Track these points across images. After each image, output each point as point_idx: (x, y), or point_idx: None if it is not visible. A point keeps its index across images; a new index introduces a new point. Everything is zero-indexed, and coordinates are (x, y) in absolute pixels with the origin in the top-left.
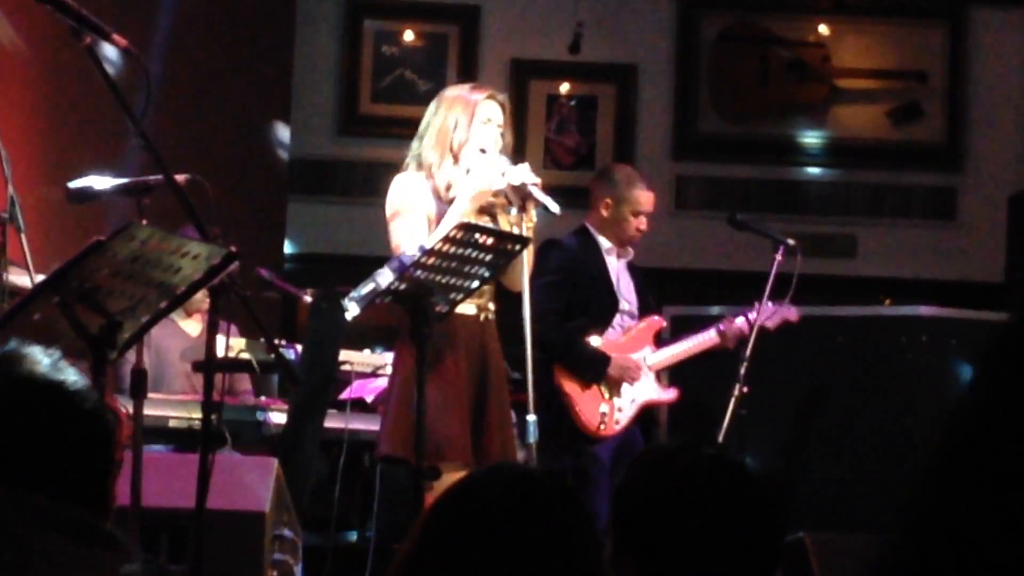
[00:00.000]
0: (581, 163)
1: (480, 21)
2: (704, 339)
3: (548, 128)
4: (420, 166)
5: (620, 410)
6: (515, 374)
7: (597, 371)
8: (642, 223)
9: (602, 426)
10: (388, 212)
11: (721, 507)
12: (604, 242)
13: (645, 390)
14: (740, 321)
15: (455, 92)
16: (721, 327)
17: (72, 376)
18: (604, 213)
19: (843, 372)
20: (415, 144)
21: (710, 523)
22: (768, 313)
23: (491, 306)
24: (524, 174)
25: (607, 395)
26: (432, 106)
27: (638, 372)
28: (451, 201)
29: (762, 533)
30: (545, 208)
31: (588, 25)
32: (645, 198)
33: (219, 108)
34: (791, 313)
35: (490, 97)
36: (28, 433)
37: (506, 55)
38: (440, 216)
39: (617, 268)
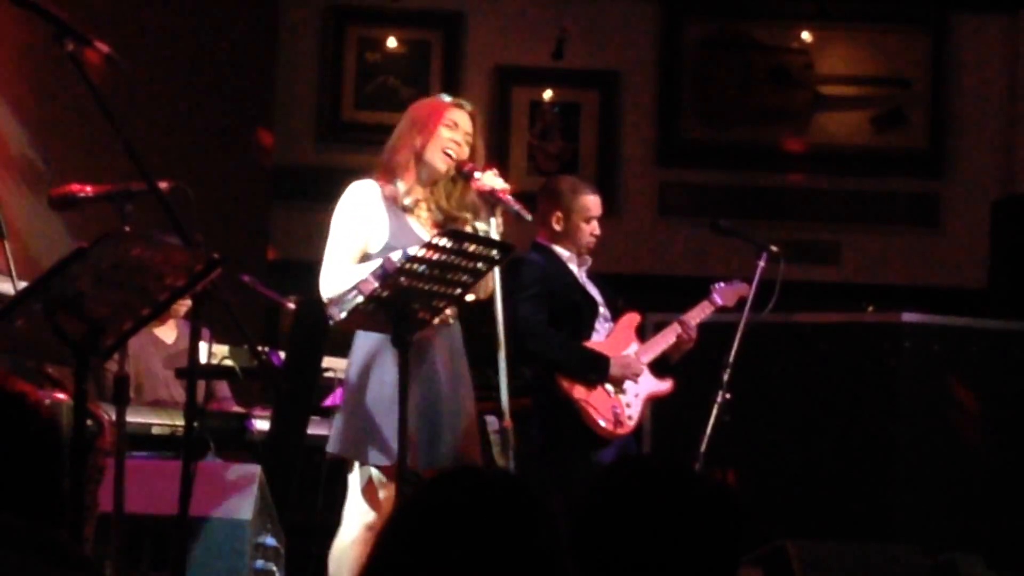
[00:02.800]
0: (565, 169)
1: (464, 28)
2: (670, 334)
3: (532, 134)
4: (385, 171)
5: (629, 406)
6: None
7: (600, 373)
8: (595, 228)
9: (618, 426)
10: (332, 220)
11: (675, 519)
12: (563, 252)
13: (645, 383)
14: (695, 312)
15: (424, 100)
16: (679, 330)
17: (21, 388)
18: (557, 227)
19: (826, 379)
20: (385, 153)
21: (666, 536)
22: (722, 293)
23: (448, 311)
24: (493, 180)
25: (614, 394)
26: (403, 116)
27: (640, 367)
28: (405, 208)
29: (718, 542)
30: (517, 215)
31: (571, 32)
32: (593, 202)
33: (202, 114)
34: (743, 288)
35: (458, 105)
36: None
37: (489, 62)
38: (392, 225)
39: (581, 275)
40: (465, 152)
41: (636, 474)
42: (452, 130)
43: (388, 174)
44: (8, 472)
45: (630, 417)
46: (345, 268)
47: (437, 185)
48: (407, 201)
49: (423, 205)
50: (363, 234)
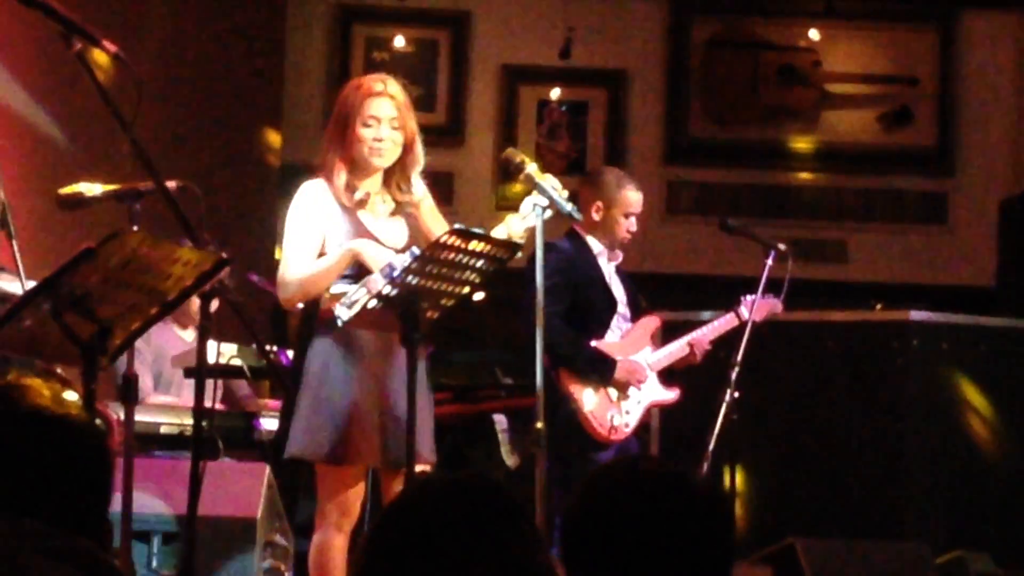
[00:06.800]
0: (572, 168)
1: (471, 27)
2: (682, 344)
3: (539, 133)
4: (325, 171)
5: (628, 413)
6: (507, 379)
7: (604, 375)
8: (632, 225)
9: (612, 431)
10: (287, 220)
11: (665, 523)
12: (595, 244)
13: (649, 391)
14: (713, 326)
15: (346, 91)
16: (691, 340)
17: (75, 408)
18: (595, 216)
19: (834, 377)
20: (321, 151)
21: (656, 540)
22: (752, 307)
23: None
24: (545, 184)
25: (615, 399)
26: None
27: (644, 375)
28: (357, 204)
29: (710, 544)
30: (569, 216)
31: (579, 30)
32: (635, 199)
33: (210, 114)
34: (777, 306)
35: (375, 93)
36: (32, 466)
37: (497, 61)
38: (347, 223)
39: (609, 270)
40: (395, 142)
41: (627, 476)
42: (373, 127)
43: (328, 173)
44: (56, 492)
45: (627, 424)
46: (308, 266)
47: (383, 173)
48: (357, 196)
49: (376, 198)
50: (320, 234)
